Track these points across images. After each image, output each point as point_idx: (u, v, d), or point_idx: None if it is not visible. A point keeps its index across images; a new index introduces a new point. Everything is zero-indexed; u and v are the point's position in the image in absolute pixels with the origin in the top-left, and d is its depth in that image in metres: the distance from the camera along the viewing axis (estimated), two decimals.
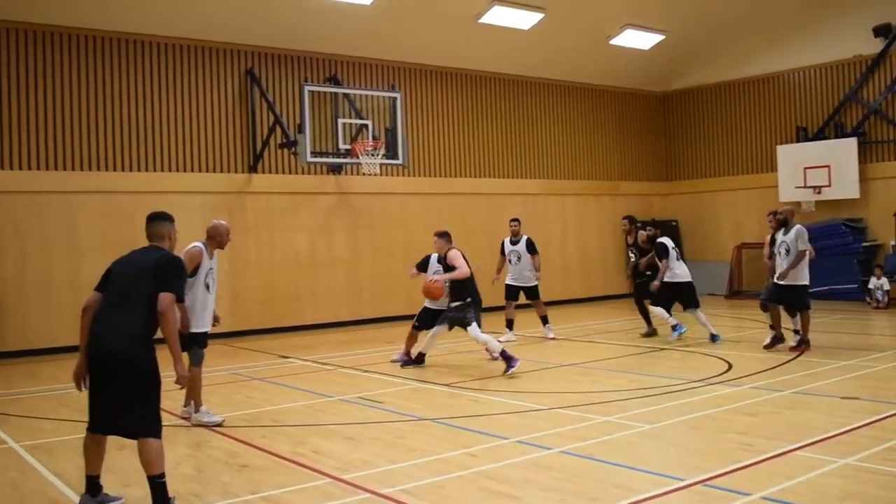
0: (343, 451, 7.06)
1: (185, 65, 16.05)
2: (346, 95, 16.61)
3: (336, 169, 17.27)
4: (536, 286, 14.14)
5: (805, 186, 19.54)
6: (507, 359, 10.59)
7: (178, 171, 15.80)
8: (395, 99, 16.29)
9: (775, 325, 11.78)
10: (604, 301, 21.23)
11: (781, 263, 11.59)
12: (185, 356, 5.95)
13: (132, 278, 5.64)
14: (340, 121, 15.90)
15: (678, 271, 13.14)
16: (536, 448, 6.86)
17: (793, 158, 19.90)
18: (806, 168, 19.54)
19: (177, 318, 5.65)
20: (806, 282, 11.62)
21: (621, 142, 22.95)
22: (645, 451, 6.78)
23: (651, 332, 13.85)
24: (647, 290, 13.50)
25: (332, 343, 14.69)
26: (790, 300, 11.66)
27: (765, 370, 10.24)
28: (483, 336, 10.85)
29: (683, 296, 13.15)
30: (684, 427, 7.57)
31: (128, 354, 5.43)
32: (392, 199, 18.18)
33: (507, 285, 14.20)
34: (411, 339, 11.79)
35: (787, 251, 11.55)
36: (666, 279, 13.07)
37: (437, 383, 10.23)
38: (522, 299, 14.28)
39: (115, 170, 15.13)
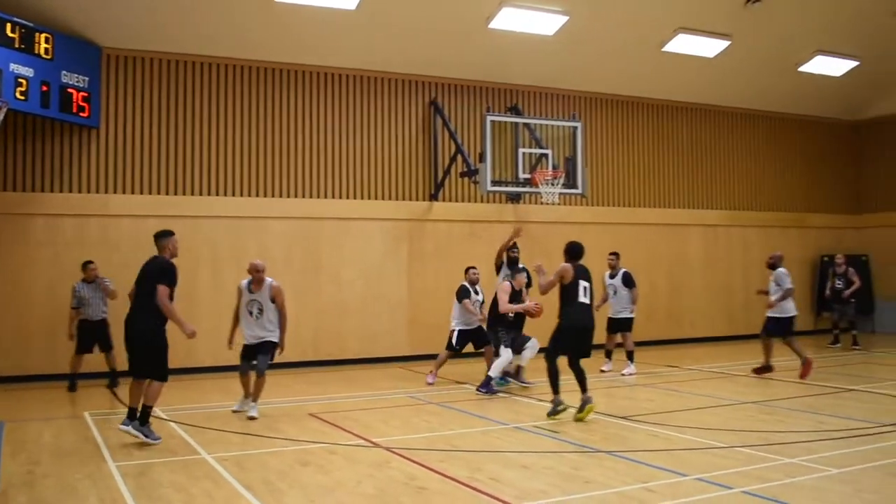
0: (520, 479, 7.10)
1: (372, 96, 16.70)
2: (526, 125, 16.71)
3: (515, 198, 17.43)
4: (628, 319, 14.37)
5: None
6: (487, 386, 12.00)
7: (361, 198, 16.41)
8: (575, 128, 16.24)
9: None
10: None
11: None
12: None
13: (146, 278, 8.78)
14: (521, 150, 15.95)
15: None
16: (717, 486, 6.69)
17: None
18: None
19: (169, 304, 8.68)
20: None
21: (808, 172, 22.07)
22: (834, 496, 6.45)
23: None
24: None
25: None
26: None
27: None
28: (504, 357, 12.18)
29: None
30: (878, 473, 7.16)
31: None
32: (570, 229, 18.05)
33: (608, 318, 14.51)
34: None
35: None
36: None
37: (614, 415, 10.12)
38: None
39: (303, 196, 15.90)
